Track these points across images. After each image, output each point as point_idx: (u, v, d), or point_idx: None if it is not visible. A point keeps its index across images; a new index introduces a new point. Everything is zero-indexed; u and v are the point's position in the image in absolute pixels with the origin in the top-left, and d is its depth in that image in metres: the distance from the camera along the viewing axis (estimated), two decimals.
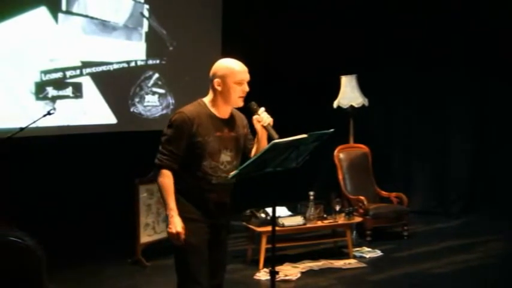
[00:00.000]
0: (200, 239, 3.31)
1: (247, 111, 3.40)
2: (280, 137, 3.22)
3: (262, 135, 3.38)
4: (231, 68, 3.33)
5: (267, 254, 5.60)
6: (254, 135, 3.50)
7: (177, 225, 3.23)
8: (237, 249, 6.10)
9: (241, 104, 3.36)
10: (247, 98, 3.38)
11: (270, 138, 3.31)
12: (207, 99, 3.39)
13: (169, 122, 3.33)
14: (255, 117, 3.36)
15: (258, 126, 3.37)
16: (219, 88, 3.32)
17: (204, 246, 3.33)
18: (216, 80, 3.33)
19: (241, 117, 3.51)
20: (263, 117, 3.33)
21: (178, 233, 3.23)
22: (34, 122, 4.91)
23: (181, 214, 3.27)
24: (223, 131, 3.35)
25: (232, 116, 3.43)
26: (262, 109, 3.36)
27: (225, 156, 3.34)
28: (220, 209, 3.40)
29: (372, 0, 8.40)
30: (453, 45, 8.00)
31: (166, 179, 3.26)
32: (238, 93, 3.32)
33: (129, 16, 6.95)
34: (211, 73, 3.38)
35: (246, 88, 3.34)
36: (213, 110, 3.35)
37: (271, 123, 3.34)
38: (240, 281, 5.36)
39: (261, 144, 3.39)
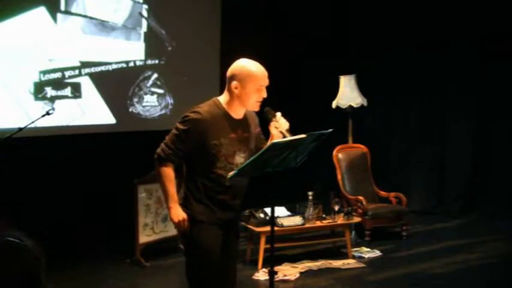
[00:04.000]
0: (214, 242, 3.31)
1: (262, 116, 3.38)
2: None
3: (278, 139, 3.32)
4: (253, 74, 3.25)
5: (266, 254, 5.61)
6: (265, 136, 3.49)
7: (179, 214, 3.25)
8: None
9: (257, 108, 3.33)
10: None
11: None
12: (222, 99, 3.33)
13: (183, 118, 3.26)
14: (273, 123, 3.31)
15: (274, 132, 3.32)
16: (236, 91, 3.26)
17: (218, 249, 3.32)
18: (234, 83, 3.25)
19: (253, 116, 3.48)
20: (281, 123, 3.29)
21: (183, 220, 3.25)
22: (33, 122, 4.90)
23: (195, 216, 3.28)
24: (237, 132, 3.32)
25: (245, 116, 3.40)
26: (279, 114, 3.33)
27: (239, 158, 3.33)
28: (233, 212, 3.41)
29: (371, 0, 8.40)
30: (453, 45, 7.99)
31: (167, 169, 3.25)
32: (255, 99, 3.27)
33: (128, 16, 6.94)
34: (229, 73, 3.30)
35: (265, 94, 3.29)
36: (228, 110, 3.31)
37: (288, 127, 3.30)
38: (238, 281, 5.31)
39: None
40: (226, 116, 3.30)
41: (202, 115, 3.22)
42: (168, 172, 3.25)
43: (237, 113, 3.34)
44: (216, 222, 3.32)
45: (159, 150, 3.28)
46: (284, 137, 3.26)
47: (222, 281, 3.39)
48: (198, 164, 3.28)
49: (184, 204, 3.32)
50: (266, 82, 3.29)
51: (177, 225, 3.28)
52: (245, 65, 3.28)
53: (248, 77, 3.24)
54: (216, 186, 3.28)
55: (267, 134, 3.46)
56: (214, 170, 3.25)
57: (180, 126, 3.24)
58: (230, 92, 3.29)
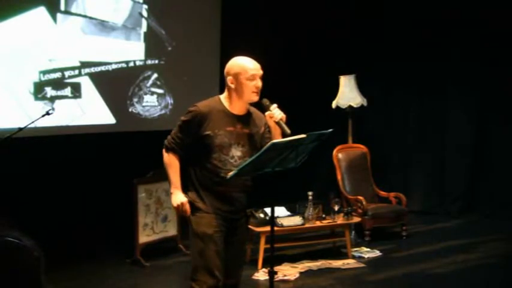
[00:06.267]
0: (214, 230, 3.39)
1: (260, 107, 3.48)
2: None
3: (275, 131, 3.43)
4: (243, 66, 3.43)
5: (266, 254, 5.60)
6: None
7: (178, 198, 3.42)
8: None
9: (255, 98, 3.45)
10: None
11: (284, 134, 3.37)
12: (222, 96, 3.50)
13: (186, 112, 3.47)
14: (267, 113, 3.43)
15: (271, 123, 3.44)
16: (232, 86, 3.43)
17: (219, 238, 3.41)
18: (229, 78, 3.44)
19: (260, 117, 3.57)
20: (275, 113, 3.40)
21: (181, 204, 3.41)
22: (33, 122, 4.90)
23: (197, 205, 3.42)
24: (235, 127, 3.44)
25: (249, 114, 3.52)
26: (274, 105, 3.44)
27: (236, 151, 3.42)
28: (233, 204, 3.47)
29: (371, 0, 8.40)
30: (453, 45, 7.99)
31: (172, 157, 3.46)
32: (251, 89, 3.42)
33: (128, 16, 6.94)
34: (225, 71, 3.49)
35: (259, 83, 3.43)
36: (227, 106, 3.46)
37: (284, 119, 3.40)
38: None
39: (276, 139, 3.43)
40: (225, 111, 3.45)
41: (200, 108, 3.41)
42: (172, 160, 3.45)
43: (238, 109, 3.47)
44: (215, 212, 3.41)
45: (165, 141, 3.50)
46: (280, 127, 3.38)
47: (223, 272, 3.42)
48: (197, 155, 3.43)
49: (185, 192, 3.48)
50: (259, 72, 3.45)
51: (177, 209, 3.45)
52: (237, 61, 3.49)
53: (240, 70, 3.41)
54: (213, 177, 3.39)
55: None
56: (210, 160, 3.38)
57: (182, 118, 3.46)
58: (228, 88, 3.47)
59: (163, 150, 3.49)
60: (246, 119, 3.49)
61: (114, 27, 6.83)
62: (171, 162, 3.45)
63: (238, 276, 3.65)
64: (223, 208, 3.43)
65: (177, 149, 3.44)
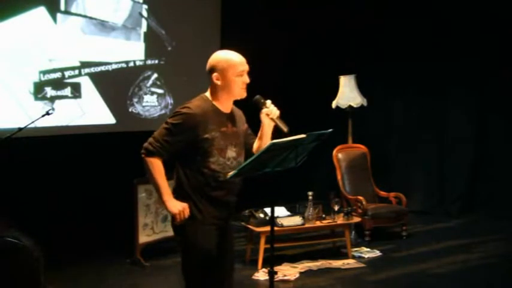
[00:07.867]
0: (211, 243, 3.25)
1: (250, 105, 3.32)
2: (280, 137, 3.18)
3: (269, 129, 3.31)
4: (230, 61, 3.23)
5: (266, 254, 5.60)
6: (256, 129, 3.44)
7: (176, 204, 3.17)
8: (236, 249, 6.06)
9: (244, 94, 3.29)
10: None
11: (277, 131, 3.26)
12: (209, 94, 3.31)
13: (174, 113, 3.23)
14: (264, 110, 3.27)
15: (266, 120, 3.30)
16: (218, 82, 3.24)
17: (215, 251, 3.26)
18: (215, 75, 3.24)
19: (240, 113, 3.46)
20: (272, 110, 3.27)
21: (183, 209, 3.15)
22: (33, 122, 4.91)
23: (193, 215, 3.21)
24: (227, 126, 3.29)
25: (233, 111, 3.38)
26: (269, 101, 3.29)
27: (231, 152, 3.29)
28: (228, 209, 3.34)
29: (371, 0, 8.40)
30: (454, 45, 7.99)
31: (157, 162, 3.18)
32: (239, 85, 3.24)
33: (127, 16, 6.94)
34: (208, 67, 3.28)
35: (247, 79, 3.27)
36: (216, 104, 3.28)
37: (279, 115, 3.28)
38: (238, 281, 5.30)
39: (266, 138, 3.33)
40: (216, 110, 3.27)
41: (193, 110, 3.19)
42: (158, 165, 3.18)
43: (225, 106, 3.31)
44: (212, 222, 3.26)
45: (146, 144, 3.22)
46: (275, 124, 3.27)
47: (219, 282, 3.36)
48: (191, 160, 3.22)
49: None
50: (246, 67, 3.27)
51: (178, 215, 3.16)
52: (221, 55, 3.29)
53: (227, 66, 3.22)
54: (210, 182, 3.21)
55: (258, 122, 3.37)
56: (207, 165, 3.20)
57: (171, 121, 3.20)
58: (213, 85, 3.28)
59: (143, 155, 3.20)
60: (232, 117, 3.35)
61: (114, 27, 6.83)
62: (157, 168, 3.16)
63: (232, 281, 3.52)
64: (220, 216, 3.28)
65: (163, 153, 3.17)
